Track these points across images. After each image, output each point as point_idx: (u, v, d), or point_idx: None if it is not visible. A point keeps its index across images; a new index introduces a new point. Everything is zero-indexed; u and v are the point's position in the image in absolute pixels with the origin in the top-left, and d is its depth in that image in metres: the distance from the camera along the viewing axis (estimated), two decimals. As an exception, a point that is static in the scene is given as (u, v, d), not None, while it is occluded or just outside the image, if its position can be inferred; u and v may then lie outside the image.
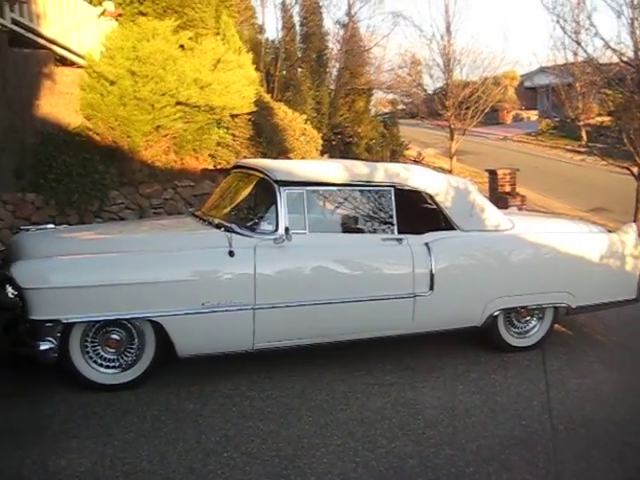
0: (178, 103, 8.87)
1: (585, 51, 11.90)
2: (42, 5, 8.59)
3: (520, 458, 4.03)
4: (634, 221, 10.05)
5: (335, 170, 5.50)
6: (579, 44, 11.85)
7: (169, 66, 8.65)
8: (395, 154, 20.96)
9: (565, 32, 11.87)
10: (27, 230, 5.54)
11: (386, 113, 28.56)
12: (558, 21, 11.71)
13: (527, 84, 41.21)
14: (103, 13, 9.37)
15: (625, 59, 11.07)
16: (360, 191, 5.47)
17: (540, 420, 4.55)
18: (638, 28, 10.45)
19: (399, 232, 5.40)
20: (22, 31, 8.34)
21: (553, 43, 12.78)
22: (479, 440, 4.24)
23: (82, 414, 4.41)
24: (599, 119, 24.47)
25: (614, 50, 11.16)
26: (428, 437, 4.25)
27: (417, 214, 5.61)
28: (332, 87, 21.46)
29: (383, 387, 5.03)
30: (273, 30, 36.51)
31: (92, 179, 8.27)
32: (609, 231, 6.41)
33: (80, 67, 9.11)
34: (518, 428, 4.43)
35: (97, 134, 8.89)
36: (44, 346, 4.50)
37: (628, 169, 11.68)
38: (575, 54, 12.32)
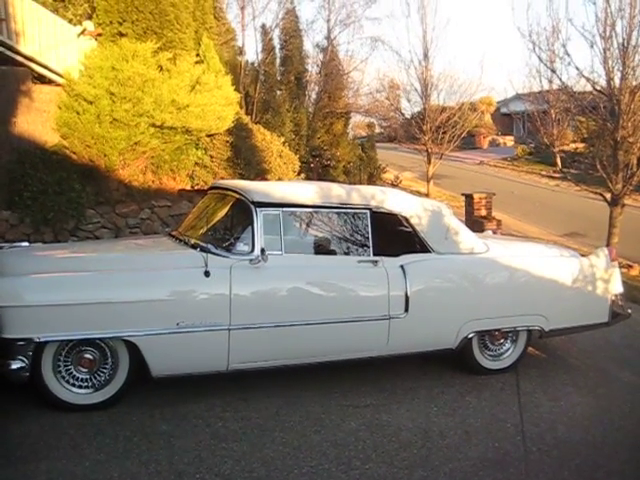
0: (155, 125, 8.87)
1: (560, 79, 12.07)
2: (21, 23, 8.59)
3: (493, 480, 4.05)
4: (607, 246, 10.18)
5: (311, 192, 5.53)
6: (554, 72, 12.00)
7: (147, 88, 8.66)
8: (372, 177, 21.10)
9: (541, 60, 12.02)
10: (1, 248, 5.49)
11: (364, 136, 28.77)
12: (534, 49, 11.88)
13: (503, 110, 41.77)
14: (82, 32, 9.39)
15: (598, 88, 11.27)
16: (336, 213, 5.50)
17: (513, 442, 4.58)
18: (610, 58, 10.66)
19: (374, 254, 5.43)
20: (0, 48, 8.32)
21: (529, 70, 13.03)
22: (452, 462, 4.25)
23: (53, 435, 4.35)
24: (573, 145, 24.89)
25: (587, 79, 11.36)
26: (402, 459, 4.25)
27: (392, 236, 5.65)
28: (311, 110, 21.61)
29: (358, 409, 5.02)
30: (253, 52, 36.82)
31: (68, 197, 8.22)
32: (582, 255, 6.50)
33: (58, 85, 9.10)
34: (491, 450, 4.45)
35: (74, 153, 8.87)
36: (15, 365, 4.43)
37: (601, 195, 11.85)
38: (550, 82, 12.52)
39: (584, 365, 6.35)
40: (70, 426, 4.47)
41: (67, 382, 4.70)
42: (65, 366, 4.69)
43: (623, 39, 10.54)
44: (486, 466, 4.21)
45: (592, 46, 10.84)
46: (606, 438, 4.75)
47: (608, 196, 11.59)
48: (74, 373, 4.72)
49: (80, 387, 4.74)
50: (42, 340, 4.48)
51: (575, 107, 12.64)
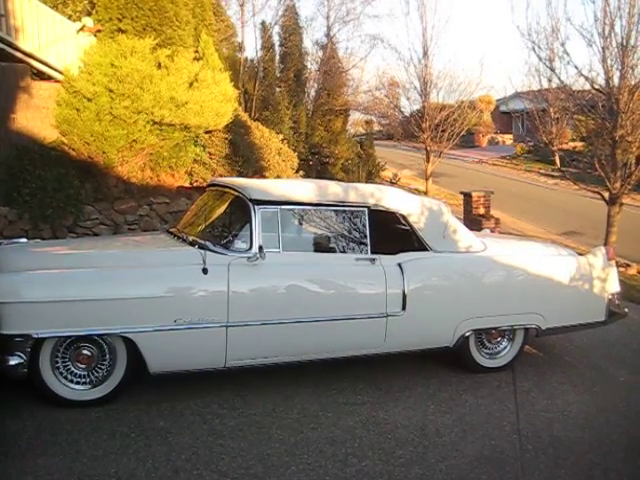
0: (153, 122, 8.87)
1: (559, 78, 12.07)
2: (20, 19, 8.59)
3: (489, 478, 4.07)
4: (605, 245, 10.20)
5: (309, 190, 5.54)
6: (553, 71, 12.00)
7: (146, 85, 8.65)
8: (371, 175, 21.12)
9: (540, 59, 12.02)
10: (-1, 244, 5.51)
11: (363, 134, 28.78)
12: (533, 48, 11.88)
13: (502, 108, 41.72)
14: (82, 29, 9.39)
15: (597, 86, 11.28)
16: (334, 211, 5.51)
17: (509, 440, 4.60)
18: (609, 57, 10.67)
19: (372, 252, 5.44)
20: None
21: (528, 69, 13.02)
22: (449, 459, 4.27)
23: (50, 430, 4.36)
24: (572, 144, 24.85)
25: (586, 78, 11.38)
26: (398, 456, 4.27)
27: (390, 234, 5.66)
28: (310, 107, 21.61)
29: (354, 406, 5.04)
30: (253, 49, 36.79)
31: (67, 194, 8.23)
32: (579, 254, 6.51)
33: (57, 82, 9.09)
34: (487, 448, 4.46)
35: (73, 149, 8.86)
36: (13, 361, 4.44)
37: (599, 194, 11.87)
38: (549, 80, 12.52)
39: (580, 364, 6.37)
40: (67, 422, 4.48)
41: (65, 378, 4.71)
42: (63, 362, 4.70)
43: (622, 38, 10.55)
44: (482, 464, 4.23)
45: (591, 45, 10.85)
46: (602, 436, 4.77)
47: (606, 195, 11.61)
48: (72, 369, 4.73)
49: (78, 383, 4.75)
50: (40, 336, 4.49)
51: (574, 106, 12.63)
